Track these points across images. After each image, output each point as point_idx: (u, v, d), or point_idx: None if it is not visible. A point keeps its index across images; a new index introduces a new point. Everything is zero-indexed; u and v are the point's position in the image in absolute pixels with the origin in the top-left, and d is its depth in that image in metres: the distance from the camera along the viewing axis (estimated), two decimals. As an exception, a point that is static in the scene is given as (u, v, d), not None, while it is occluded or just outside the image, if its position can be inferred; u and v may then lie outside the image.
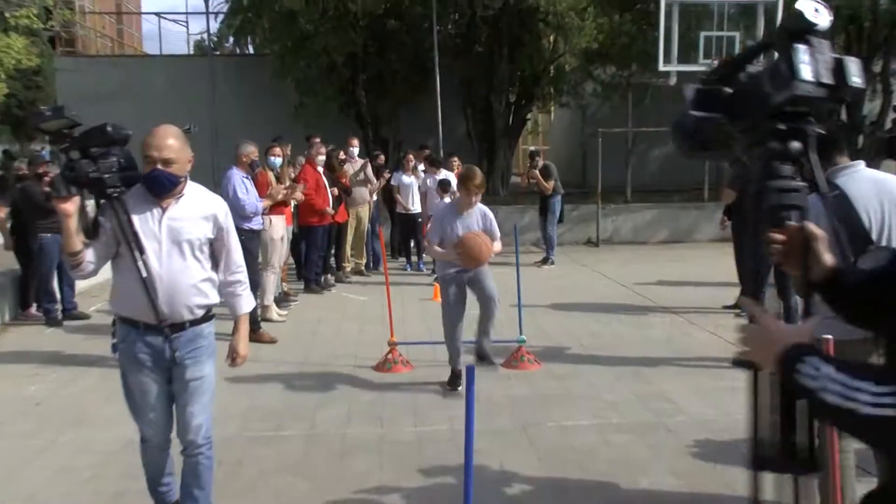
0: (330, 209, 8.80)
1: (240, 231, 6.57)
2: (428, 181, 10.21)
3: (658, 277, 10.00)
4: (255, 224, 6.80)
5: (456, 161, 10.81)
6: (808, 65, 1.52)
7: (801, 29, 1.55)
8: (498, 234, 5.18)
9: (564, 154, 21.30)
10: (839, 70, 1.54)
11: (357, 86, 16.37)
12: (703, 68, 13.25)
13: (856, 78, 1.53)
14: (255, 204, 6.66)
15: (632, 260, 11.64)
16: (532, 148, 11.70)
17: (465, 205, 5.18)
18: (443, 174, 10.05)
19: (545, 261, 11.06)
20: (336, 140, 10.85)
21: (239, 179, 6.63)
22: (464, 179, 5.15)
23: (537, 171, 10.93)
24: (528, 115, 18.58)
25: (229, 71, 18.60)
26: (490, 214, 5.23)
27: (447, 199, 9.55)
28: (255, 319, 6.77)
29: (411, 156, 10.79)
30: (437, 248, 5.14)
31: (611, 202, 14.05)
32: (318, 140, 9.79)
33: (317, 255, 8.90)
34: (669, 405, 5.09)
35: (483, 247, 4.90)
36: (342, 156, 9.62)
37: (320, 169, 8.88)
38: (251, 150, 6.81)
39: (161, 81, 18.44)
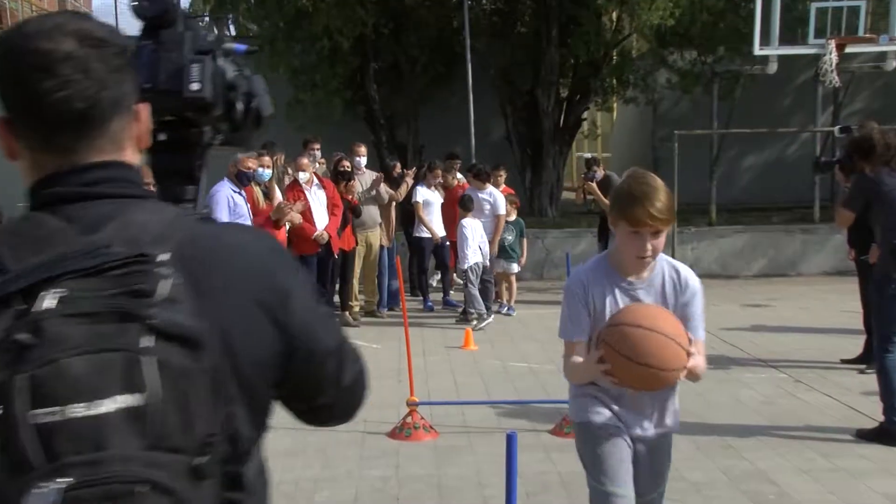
0: (323, 233, 8.92)
1: None
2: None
3: (753, 321, 9.95)
4: None
5: (503, 174, 10.95)
6: None
7: None
8: (702, 328, 3.17)
9: (630, 163, 21.30)
10: None
11: (367, 77, 16.64)
12: (814, 51, 13.29)
13: None
14: None
15: (717, 298, 11.61)
16: (588, 155, 11.74)
17: (635, 260, 3.07)
18: (488, 191, 10.21)
19: None
20: (340, 146, 11.06)
21: (224, 197, 6.81)
22: (627, 198, 3.00)
23: (594, 184, 11.01)
24: (584, 114, 18.71)
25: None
26: (691, 282, 3.15)
27: (469, 220, 9.70)
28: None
29: (439, 171, 10.94)
30: (578, 359, 3.13)
31: (690, 224, 14.07)
32: (316, 147, 10.00)
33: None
34: (770, 488, 5.07)
35: (678, 354, 2.90)
36: (346, 165, 9.75)
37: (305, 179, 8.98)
38: (242, 158, 6.99)
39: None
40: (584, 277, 3.16)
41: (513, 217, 10.55)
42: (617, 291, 3.11)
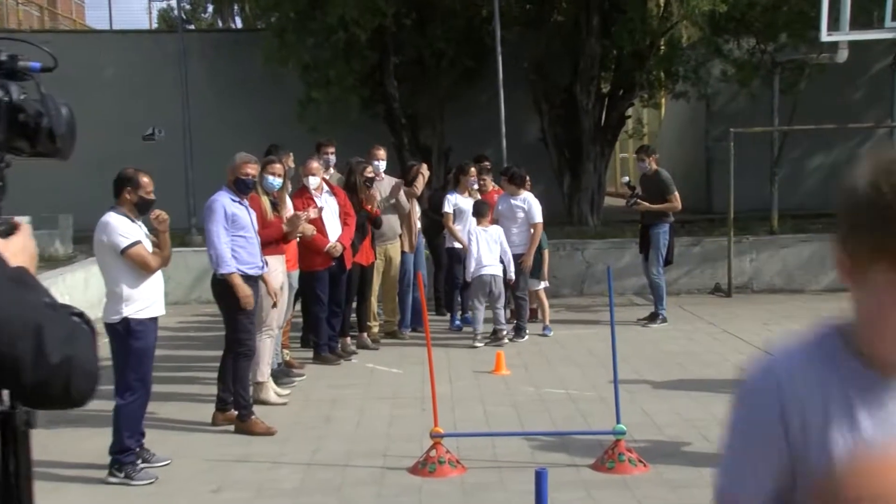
0: (336, 244, 8.98)
1: (219, 284, 6.88)
2: (500, 206, 10.37)
3: (821, 343, 9.90)
4: (252, 268, 7.03)
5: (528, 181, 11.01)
6: None
7: None
8: None
9: (680, 164, 21.33)
10: None
11: (387, 73, 16.78)
12: (891, 36, 13.18)
13: None
14: (220, 249, 6.81)
15: (780, 316, 11.56)
16: (626, 178, 11.62)
17: None
18: (522, 197, 10.25)
19: (654, 317, 11.09)
20: (357, 149, 11.12)
21: (220, 206, 6.86)
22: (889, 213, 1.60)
23: (638, 197, 10.97)
24: (628, 112, 18.74)
25: (207, 52, 19.31)
26: None
27: (479, 228, 9.76)
28: (244, 402, 6.98)
29: (473, 170, 10.99)
30: None
31: (749, 233, 14.03)
32: (331, 150, 10.07)
33: (322, 310, 9.08)
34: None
35: None
36: (369, 172, 9.78)
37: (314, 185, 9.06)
38: (241, 163, 7.04)
39: (111, 67, 19.25)
40: (783, 378, 1.73)
41: None
42: (865, 408, 1.66)
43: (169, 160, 17.32)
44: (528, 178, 10.83)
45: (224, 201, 6.89)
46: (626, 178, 12.17)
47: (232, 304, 6.83)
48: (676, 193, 10.98)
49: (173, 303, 13.29)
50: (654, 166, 11.13)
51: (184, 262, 13.47)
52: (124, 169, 6.11)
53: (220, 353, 7.23)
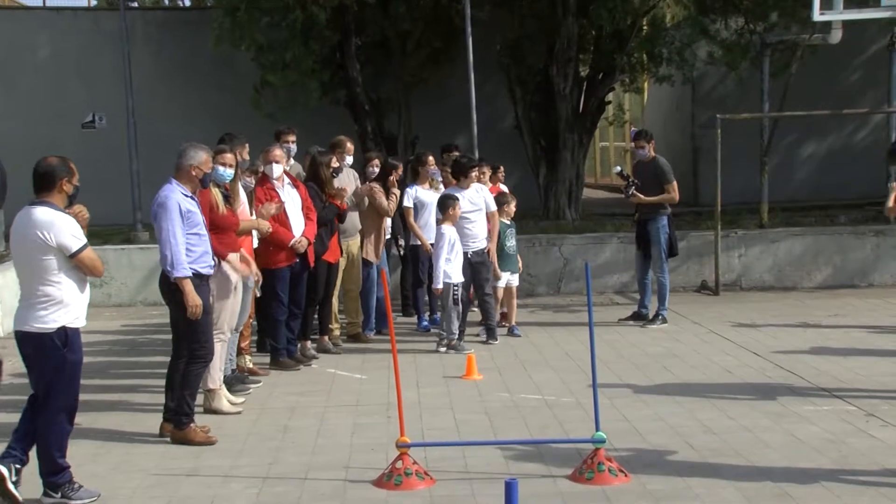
0: (302, 239, 8.99)
1: (172, 285, 6.88)
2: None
3: (814, 342, 10.00)
4: (205, 267, 7.03)
5: (499, 171, 11.03)
6: None
7: None
8: None
9: (665, 153, 21.20)
10: None
11: (349, 56, 16.73)
12: (888, 15, 13.31)
13: None
14: (176, 250, 6.76)
15: (771, 315, 11.68)
16: (618, 170, 11.64)
17: None
18: (475, 187, 10.21)
19: (654, 317, 11.13)
20: (318, 138, 11.10)
21: (175, 204, 6.81)
22: None
23: (633, 189, 11.02)
24: (609, 97, 18.80)
25: (152, 33, 19.14)
26: None
27: (449, 227, 9.71)
28: (188, 410, 6.97)
29: (431, 158, 11.00)
30: None
31: (737, 226, 14.15)
32: (291, 139, 10.05)
33: (282, 312, 9.08)
34: (831, 541, 5.12)
35: None
36: (335, 163, 9.78)
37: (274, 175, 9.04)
38: (203, 159, 7.01)
39: (45, 48, 19.00)
40: None
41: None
42: None
43: (111, 150, 17.24)
44: (500, 168, 10.90)
45: (177, 197, 6.84)
46: (619, 168, 12.18)
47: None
48: (675, 183, 11.08)
49: (117, 305, 13.29)
50: (653, 153, 11.23)
51: (129, 260, 13.41)
52: (47, 158, 5.79)
53: (167, 359, 7.20)
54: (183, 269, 6.71)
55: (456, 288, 9.78)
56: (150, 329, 11.54)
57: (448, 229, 9.81)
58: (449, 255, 9.75)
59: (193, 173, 6.94)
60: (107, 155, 17.19)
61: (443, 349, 9.79)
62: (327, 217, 9.45)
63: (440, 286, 9.72)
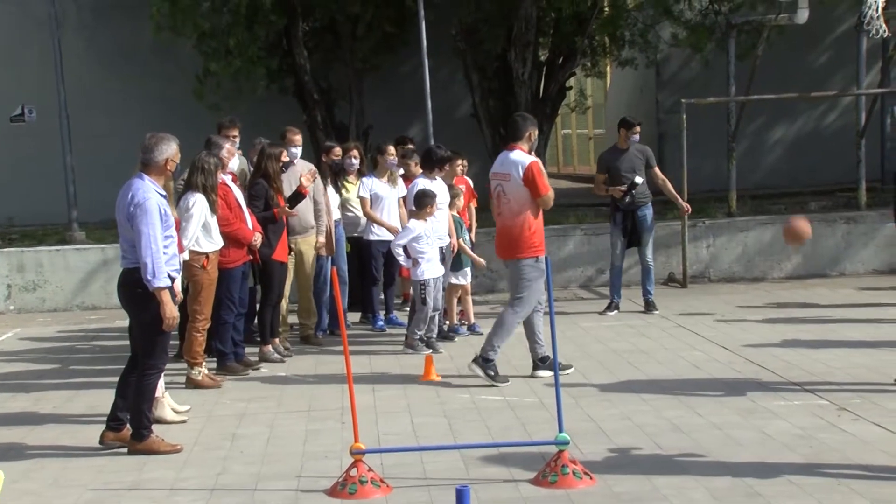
0: (259, 237, 9.01)
1: (144, 292, 6.81)
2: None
3: (784, 335, 10.04)
4: (175, 270, 6.99)
5: (461, 164, 11.02)
6: None
7: None
8: None
9: (630, 139, 21.59)
10: None
11: (296, 41, 16.64)
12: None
13: None
14: (158, 258, 6.68)
15: (740, 307, 11.76)
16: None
17: None
18: (434, 183, 10.16)
19: (648, 305, 11.50)
20: (265, 129, 11.01)
21: (155, 205, 6.70)
22: None
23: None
24: (570, 82, 18.83)
25: (85, 19, 18.87)
26: None
27: (418, 223, 9.64)
28: (146, 423, 6.89)
29: (392, 148, 10.95)
30: None
31: (705, 215, 14.22)
32: (235, 133, 9.97)
33: (232, 315, 9.03)
34: (804, 541, 5.15)
35: None
36: (285, 157, 9.71)
37: (229, 174, 9.04)
38: (175, 150, 6.91)
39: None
40: None
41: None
42: None
43: (43, 144, 17.02)
44: (462, 166, 10.89)
45: (157, 198, 6.76)
46: (640, 180, 11.58)
47: (156, 317, 6.70)
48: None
49: (52, 310, 13.10)
50: (636, 136, 11.54)
51: (64, 262, 13.18)
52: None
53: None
54: (164, 280, 6.65)
55: (424, 286, 9.65)
56: (87, 335, 11.36)
57: (418, 224, 9.67)
58: (424, 252, 9.66)
59: (168, 167, 6.90)
60: (38, 150, 16.99)
61: (410, 350, 9.72)
62: (278, 215, 9.41)
63: (420, 278, 9.62)
